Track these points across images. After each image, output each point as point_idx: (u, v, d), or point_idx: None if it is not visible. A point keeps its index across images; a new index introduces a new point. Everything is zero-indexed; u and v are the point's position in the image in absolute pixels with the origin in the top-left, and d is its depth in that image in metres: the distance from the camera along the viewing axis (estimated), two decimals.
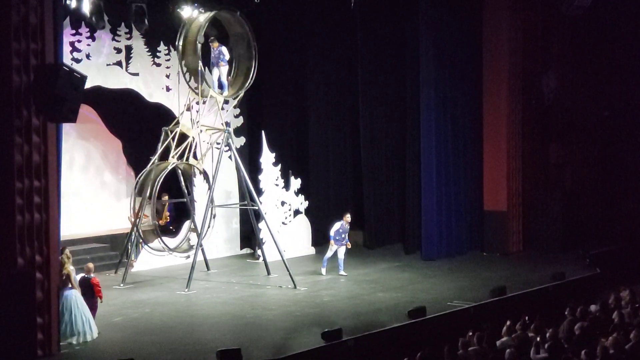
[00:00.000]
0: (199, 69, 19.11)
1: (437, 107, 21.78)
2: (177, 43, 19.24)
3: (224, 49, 19.64)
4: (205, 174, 20.65)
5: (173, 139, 19.35)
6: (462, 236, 22.62)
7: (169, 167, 19.00)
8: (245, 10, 19.91)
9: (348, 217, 20.08)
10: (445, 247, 22.07)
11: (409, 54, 22.73)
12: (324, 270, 19.81)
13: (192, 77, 19.50)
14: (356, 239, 24.05)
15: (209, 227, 19.53)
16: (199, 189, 21.39)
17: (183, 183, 20.25)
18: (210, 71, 19.87)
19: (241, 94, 20.11)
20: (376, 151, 23.80)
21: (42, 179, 13.46)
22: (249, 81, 19.91)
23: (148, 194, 18.88)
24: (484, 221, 22.93)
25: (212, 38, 19.53)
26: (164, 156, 19.54)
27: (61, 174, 14.23)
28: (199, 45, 19.01)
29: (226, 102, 21.58)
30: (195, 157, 19.67)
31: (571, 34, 24.62)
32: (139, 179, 19.19)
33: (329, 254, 19.87)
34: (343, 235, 19.77)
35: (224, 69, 19.72)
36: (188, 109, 19.80)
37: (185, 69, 19.49)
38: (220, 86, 19.74)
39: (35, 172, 13.37)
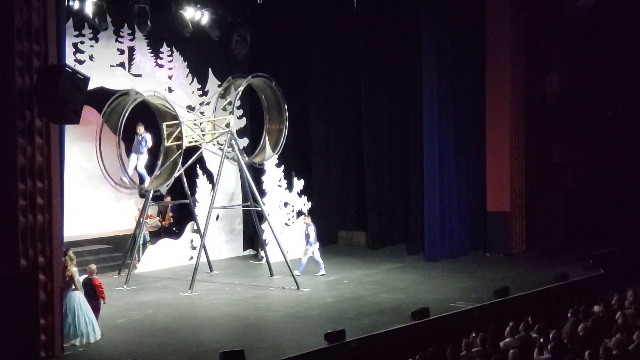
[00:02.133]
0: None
1: (439, 107, 21.76)
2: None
3: (149, 137, 19.47)
4: (207, 175, 20.68)
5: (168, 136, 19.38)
6: (465, 237, 22.59)
7: (138, 99, 18.54)
8: (248, 11, 19.96)
9: (306, 219, 20.15)
10: (448, 247, 22.05)
11: (411, 53, 22.71)
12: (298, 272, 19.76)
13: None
14: (359, 239, 24.11)
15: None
16: (202, 190, 21.43)
17: (186, 185, 20.25)
18: (128, 156, 19.59)
19: (275, 156, 20.85)
20: (378, 152, 23.79)
21: (45, 180, 13.47)
22: (279, 147, 20.45)
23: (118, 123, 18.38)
24: (486, 222, 22.90)
25: (139, 123, 19.36)
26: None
27: (64, 175, 14.24)
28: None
29: (229, 103, 21.66)
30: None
31: (574, 34, 24.60)
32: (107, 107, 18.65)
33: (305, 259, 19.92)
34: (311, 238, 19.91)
35: (143, 157, 19.54)
36: (190, 110, 19.88)
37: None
38: (141, 178, 19.54)
39: (38, 173, 13.38)
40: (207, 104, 21.13)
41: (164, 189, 19.50)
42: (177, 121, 19.07)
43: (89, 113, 21.21)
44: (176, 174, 19.23)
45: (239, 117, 22.21)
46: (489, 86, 22.77)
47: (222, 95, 20.42)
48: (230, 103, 20.24)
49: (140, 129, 19.33)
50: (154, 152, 19.74)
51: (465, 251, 22.43)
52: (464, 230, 22.50)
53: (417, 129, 22.42)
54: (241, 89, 19.80)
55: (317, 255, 19.87)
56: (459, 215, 22.37)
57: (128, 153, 19.64)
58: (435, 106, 21.68)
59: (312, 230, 19.92)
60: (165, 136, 19.26)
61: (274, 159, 21.57)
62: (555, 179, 24.17)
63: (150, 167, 19.69)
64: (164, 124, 19.26)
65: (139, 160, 19.50)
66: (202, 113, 20.59)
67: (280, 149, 20.53)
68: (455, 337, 13.04)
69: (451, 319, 15.83)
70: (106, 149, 18.95)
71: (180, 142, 18.97)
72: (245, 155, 20.23)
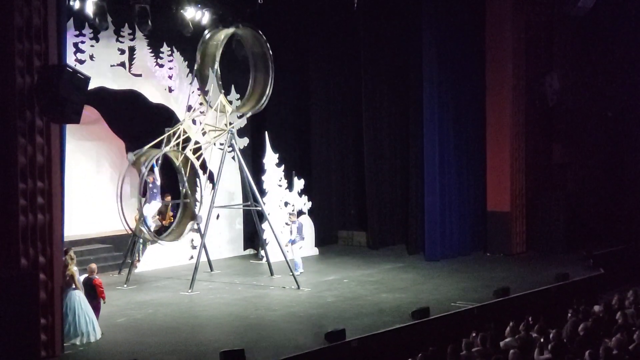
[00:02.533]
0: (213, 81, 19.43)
1: (439, 107, 21.77)
2: (197, 55, 19.46)
3: (157, 180, 19.41)
4: (208, 174, 20.67)
5: (175, 135, 19.38)
6: (465, 237, 22.60)
7: (158, 155, 18.66)
8: (248, 11, 19.95)
9: (292, 217, 20.18)
10: (448, 247, 22.07)
11: (411, 54, 22.72)
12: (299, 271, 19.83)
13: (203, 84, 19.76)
14: (359, 239, 24.11)
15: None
16: (202, 189, 21.40)
17: (187, 184, 20.25)
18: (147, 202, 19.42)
19: (249, 113, 20.44)
20: (379, 151, 23.81)
21: (45, 180, 13.47)
22: (264, 99, 20.15)
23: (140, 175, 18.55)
24: (487, 222, 22.91)
25: (151, 172, 19.12)
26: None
27: (65, 175, 14.24)
28: (217, 65, 19.33)
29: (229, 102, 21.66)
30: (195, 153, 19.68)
31: (574, 35, 24.61)
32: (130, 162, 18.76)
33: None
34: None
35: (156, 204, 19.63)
36: (189, 109, 19.86)
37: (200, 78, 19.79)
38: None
39: (38, 173, 13.38)
40: (207, 102, 21.10)
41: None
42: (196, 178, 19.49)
43: (89, 112, 21.25)
44: (265, 100, 19.66)
45: (240, 117, 22.16)
46: (489, 86, 22.77)
47: (201, 68, 19.83)
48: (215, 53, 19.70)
49: (150, 178, 19.21)
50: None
51: (466, 251, 22.45)
52: (464, 230, 22.52)
53: (418, 128, 22.44)
54: (226, 35, 19.42)
55: (297, 254, 19.88)
56: (459, 215, 22.38)
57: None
58: (435, 106, 21.70)
59: (296, 227, 19.83)
60: (182, 194, 19.49)
61: (275, 158, 21.61)
62: (556, 179, 24.19)
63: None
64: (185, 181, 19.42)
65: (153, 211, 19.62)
66: (202, 112, 20.57)
67: (266, 100, 20.18)
68: (455, 337, 13.06)
69: (451, 319, 15.84)
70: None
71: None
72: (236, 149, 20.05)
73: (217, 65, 19.31)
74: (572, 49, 24.66)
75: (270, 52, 20.08)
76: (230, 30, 19.45)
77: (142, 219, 18.59)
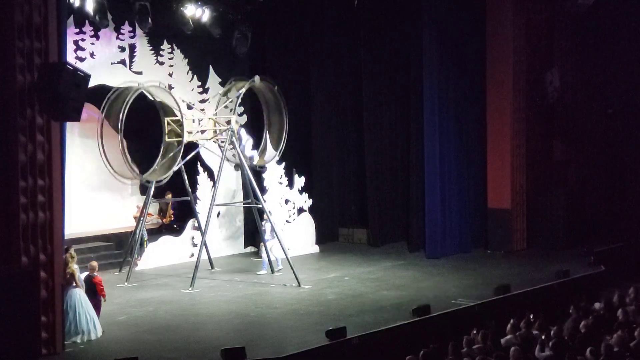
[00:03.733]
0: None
1: (440, 105, 21.73)
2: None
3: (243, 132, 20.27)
4: (207, 171, 20.73)
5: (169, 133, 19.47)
6: (466, 234, 22.56)
7: (135, 91, 18.79)
8: (249, 9, 19.95)
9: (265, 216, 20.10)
10: (449, 245, 22.04)
11: (412, 52, 22.68)
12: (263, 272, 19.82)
13: None
14: (360, 237, 24.09)
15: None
16: (203, 187, 21.43)
17: (187, 182, 20.27)
18: (129, 152, 19.75)
19: (277, 157, 20.93)
20: (379, 149, 23.79)
21: (46, 177, 13.47)
22: (281, 144, 20.78)
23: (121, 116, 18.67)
24: (487, 219, 22.88)
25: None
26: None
27: (65, 173, 14.24)
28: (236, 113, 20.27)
29: (230, 100, 21.71)
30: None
31: (575, 32, 24.57)
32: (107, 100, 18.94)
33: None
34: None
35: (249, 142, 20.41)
36: (189, 107, 19.86)
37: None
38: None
39: (39, 170, 13.39)
40: (207, 100, 21.12)
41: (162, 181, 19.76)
42: (177, 118, 19.22)
43: (90, 110, 21.25)
44: (175, 168, 19.38)
45: (240, 114, 22.19)
46: (490, 84, 22.75)
47: (224, 94, 20.48)
48: (231, 101, 20.30)
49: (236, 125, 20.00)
50: (155, 145, 19.86)
51: (466, 248, 22.42)
52: (465, 228, 22.49)
53: (418, 126, 22.40)
54: (243, 91, 19.88)
55: (267, 253, 19.83)
56: (460, 213, 22.35)
57: (129, 150, 19.60)
58: (436, 104, 21.66)
59: (269, 227, 19.83)
60: (166, 132, 19.35)
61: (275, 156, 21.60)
62: (556, 176, 24.16)
63: (149, 160, 19.72)
64: (166, 119, 19.35)
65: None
66: (202, 110, 20.57)
67: (281, 151, 20.62)
68: (456, 334, 13.05)
69: (452, 316, 15.82)
70: (108, 146, 19.06)
71: (180, 139, 19.10)
72: (247, 158, 20.21)
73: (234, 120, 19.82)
74: (573, 46, 24.62)
75: (284, 102, 20.68)
76: (246, 83, 20.04)
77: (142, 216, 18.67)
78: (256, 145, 21.29)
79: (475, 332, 12.83)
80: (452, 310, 16.07)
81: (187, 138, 19.26)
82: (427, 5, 21.53)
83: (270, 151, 20.82)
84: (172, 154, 19.49)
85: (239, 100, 20.22)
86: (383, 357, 14.27)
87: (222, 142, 20.19)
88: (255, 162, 20.37)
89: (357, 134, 24.47)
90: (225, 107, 20.55)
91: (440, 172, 21.77)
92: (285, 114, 20.56)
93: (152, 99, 19.49)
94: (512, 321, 13.31)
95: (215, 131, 19.89)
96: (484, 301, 16.73)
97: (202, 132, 19.88)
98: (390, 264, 21.12)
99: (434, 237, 21.81)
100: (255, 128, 22.34)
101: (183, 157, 19.53)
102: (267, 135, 20.81)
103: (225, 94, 20.40)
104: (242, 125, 21.64)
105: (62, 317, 13.78)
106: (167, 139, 19.37)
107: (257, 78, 20.04)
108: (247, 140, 20.15)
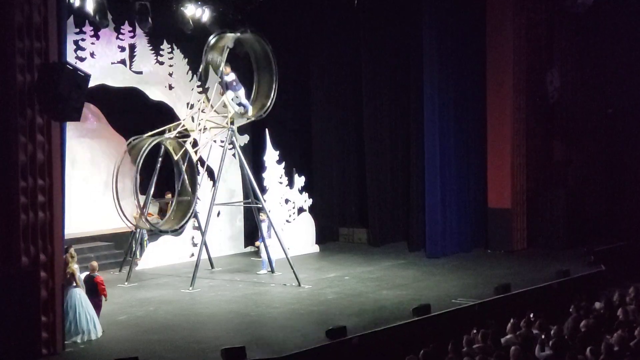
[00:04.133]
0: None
1: (440, 105, 21.73)
2: (202, 58, 19.44)
3: (233, 75, 19.80)
4: (208, 171, 20.68)
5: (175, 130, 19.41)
6: (467, 234, 22.58)
7: (155, 141, 18.69)
8: (248, 9, 19.93)
9: (262, 216, 19.98)
10: (449, 244, 22.05)
11: (412, 51, 22.68)
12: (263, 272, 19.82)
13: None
14: (360, 236, 24.10)
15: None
16: (203, 187, 21.40)
17: (187, 182, 20.25)
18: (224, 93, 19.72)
19: (263, 114, 20.34)
20: (380, 148, 23.78)
21: (46, 177, 13.48)
22: (269, 102, 20.15)
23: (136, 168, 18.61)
24: (488, 219, 22.89)
25: (226, 64, 19.51)
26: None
27: (65, 173, 14.24)
28: (222, 66, 19.37)
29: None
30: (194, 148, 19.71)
31: (575, 31, 24.57)
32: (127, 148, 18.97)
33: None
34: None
35: (242, 91, 19.85)
36: (190, 107, 19.86)
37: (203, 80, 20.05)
38: (245, 108, 19.92)
39: (39, 170, 13.39)
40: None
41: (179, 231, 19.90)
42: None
43: (90, 110, 21.30)
44: (190, 214, 19.44)
45: (239, 104, 22.11)
46: (490, 84, 22.74)
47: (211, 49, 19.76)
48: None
49: (227, 69, 19.54)
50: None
51: (467, 248, 22.43)
52: (465, 227, 22.50)
53: (418, 126, 22.40)
54: (231, 44, 19.42)
55: (267, 252, 19.83)
56: (460, 212, 22.36)
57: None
58: (436, 104, 21.66)
59: (266, 226, 19.80)
60: (172, 151, 19.35)
61: (275, 155, 21.62)
62: (557, 176, 24.16)
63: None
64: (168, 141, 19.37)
65: (239, 95, 19.77)
66: (202, 110, 20.52)
67: (271, 103, 20.18)
68: (456, 334, 13.04)
69: (452, 316, 15.83)
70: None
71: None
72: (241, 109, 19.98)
73: (221, 69, 19.34)
74: (573, 46, 24.61)
75: (273, 53, 20.09)
76: (235, 35, 19.45)
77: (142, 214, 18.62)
78: (253, 142, 21.27)
79: (475, 331, 12.81)
80: (452, 310, 16.09)
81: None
82: (427, 5, 21.53)
83: (258, 105, 20.43)
84: (186, 200, 19.58)
85: (227, 51, 19.50)
86: (383, 357, 14.29)
87: (222, 141, 20.20)
88: (250, 114, 20.02)
89: (357, 133, 24.47)
90: (212, 60, 19.82)
91: (441, 172, 21.78)
92: (275, 64, 20.10)
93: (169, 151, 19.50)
94: (512, 320, 13.29)
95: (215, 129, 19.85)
96: (484, 300, 16.75)
97: (203, 130, 19.81)
98: (391, 263, 21.13)
99: (434, 236, 21.81)
100: (255, 126, 22.35)
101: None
102: (256, 87, 20.39)
103: (212, 49, 19.66)
104: (242, 126, 21.63)
105: (62, 317, 13.79)
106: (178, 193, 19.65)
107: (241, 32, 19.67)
108: (241, 90, 19.85)
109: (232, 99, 19.68)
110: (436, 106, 21.67)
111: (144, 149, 18.25)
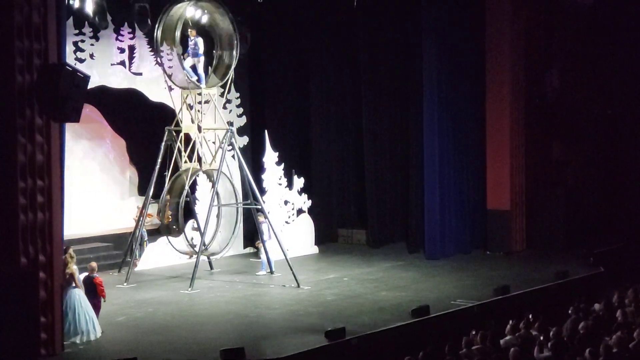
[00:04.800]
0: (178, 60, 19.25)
1: (439, 106, 21.72)
2: (155, 30, 19.02)
3: (200, 41, 19.47)
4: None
5: (179, 141, 19.41)
6: (466, 235, 22.58)
7: (197, 174, 19.49)
8: (247, 10, 19.92)
9: (260, 217, 19.92)
10: (448, 246, 22.05)
11: (411, 52, 22.69)
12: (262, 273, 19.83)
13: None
14: (359, 237, 24.09)
15: (216, 228, 19.96)
16: (201, 188, 21.42)
17: (186, 182, 20.24)
18: (184, 59, 19.51)
19: (222, 82, 19.97)
20: (379, 150, 23.77)
21: (45, 178, 13.46)
22: (230, 71, 19.85)
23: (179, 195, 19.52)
24: (487, 220, 22.88)
25: (191, 26, 19.30)
26: (169, 156, 19.57)
27: (64, 173, 14.24)
28: (178, 35, 19.19)
29: (229, 101, 21.67)
30: (199, 158, 19.72)
31: (574, 31, 24.58)
32: (170, 182, 19.54)
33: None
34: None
35: (201, 60, 19.53)
36: (189, 108, 19.84)
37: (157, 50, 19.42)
38: (198, 78, 19.53)
39: (38, 171, 13.37)
40: (207, 102, 21.07)
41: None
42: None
43: (89, 111, 21.27)
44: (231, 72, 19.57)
45: (239, 116, 22.18)
46: (489, 84, 22.75)
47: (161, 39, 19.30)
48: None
49: (192, 32, 19.26)
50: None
51: (466, 249, 22.44)
52: (464, 229, 22.50)
53: (417, 127, 22.41)
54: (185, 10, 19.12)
55: (266, 254, 19.81)
56: (459, 214, 22.37)
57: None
58: (435, 105, 21.66)
59: (267, 227, 19.80)
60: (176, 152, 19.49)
61: (275, 157, 21.63)
62: (556, 177, 24.16)
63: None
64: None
65: (196, 63, 19.49)
66: (200, 112, 20.50)
67: (227, 82, 20.16)
68: (455, 335, 13.05)
69: (451, 317, 15.84)
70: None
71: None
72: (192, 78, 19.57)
73: (177, 42, 19.28)
74: (572, 46, 24.63)
75: (234, 22, 19.55)
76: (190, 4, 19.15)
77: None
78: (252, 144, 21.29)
79: (474, 333, 12.80)
80: (452, 311, 16.10)
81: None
82: (426, 7, 21.52)
83: (213, 80, 20.14)
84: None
85: (181, 23, 19.29)
86: (382, 358, 14.28)
87: (221, 142, 20.17)
88: (203, 84, 19.57)
89: (357, 135, 24.46)
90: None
91: (440, 173, 21.78)
92: (237, 48, 19.59)
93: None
94: (511, 322, 13.30)
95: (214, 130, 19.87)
96: (483, 302, 16.76)
97: (200, 130, 19.78)
98: (390, 264, 21.13)
99: (433, 238, 21.81)
100: (255, 129, 22.36)
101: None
102: (214, 67, 20.10)
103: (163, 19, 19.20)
104: (241, 127, 21.62)
105: (61, 318, 13.77)
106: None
107: None
108: (201, 58, 19.47)
109: (190, 67, 19.42)
110: (435, 107, 21.67)
111: (187, 183, 19.17)
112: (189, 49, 19.50)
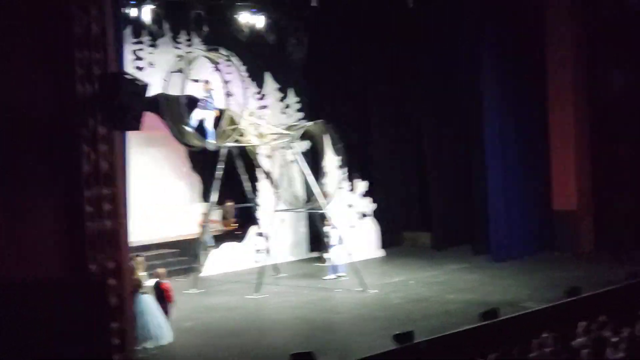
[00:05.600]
0: None
1: (501, 106, 21.53)
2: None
3: (214, 93, 19.21)
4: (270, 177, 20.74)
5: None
6: (532, 236, 22.21)
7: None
8: (305, 15, 19.91)
9: (327, 222, 19.82)
10: (515, 247, 21.71)
11: (472, 53, 22.40)
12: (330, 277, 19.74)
13: None
14: (424, 240, 23.89)
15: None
16: (264, 193, 21.44)
17: (249, 189, 20.28)
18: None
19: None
20: (441, 152, 23.57)
21: (110, 186, 13.54)
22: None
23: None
24: (553, 221, 22.52)
25: (206, 80, 19.09)
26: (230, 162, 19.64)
27: (129, 181, 14.34)
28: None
29: (288, 106, 21.72)
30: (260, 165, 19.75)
31: (638, 28, 24.02)
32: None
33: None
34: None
35: (211, 114, 19.04)
36: (229, 95, 19.64)
37: None
38: (203, 132, 19.01)
39: (103, 179, 13.45)
40: (266, 107, 21.13)
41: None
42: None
43: (151, 119, 21.39)
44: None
45: (299, 120, 22.13)
46: (551, 84, 22.42)
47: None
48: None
49: (207, 86, 19.01)
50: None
51: (533, 251, 22.03)
52: (530, 230, 22.14)
53: (480, 128, 22.10)
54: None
55: (337, 258, 19.71)
56: (525, 215, 22.03)
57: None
58: (497, 105, 21.46)
59: (335, 232, 19.74)
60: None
61: (337, 161, 21.53)
62: (623, 177, 23.62)
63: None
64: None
65: (205, 117, 19.04)
66: (261, 117, 20.54)
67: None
68: (525, 338, 12.81)
69: (521, 320, 15.52)
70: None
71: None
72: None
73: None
74: (636, 43, 24.06)
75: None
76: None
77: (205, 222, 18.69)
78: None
79: (545, 335, 12.57)
80: (521, 314, 15.78)
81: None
82: (486, 12, 21.22)
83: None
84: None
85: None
86: None
87: (282, 147, 20.18)
88: (210, 145, 19.07)
89: (418, 136, 24.25)
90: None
91: (504, 175, 21.50)
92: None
93: None
94: (583, 324, 13.02)
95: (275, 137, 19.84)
96: (554, 304, 16.38)
97: (261, 137, 19.80)
98: (455, 267, 20.90)
99: (499, 239, 21.51)
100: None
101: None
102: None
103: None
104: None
105: (132, 324, 13.85)
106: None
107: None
108: (211, 112, 18.98)
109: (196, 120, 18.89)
110: (497, 108, 21.47)
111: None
112: (200, 101, 19.04)
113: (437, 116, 23.47)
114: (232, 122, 19.46)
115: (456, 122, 23.59)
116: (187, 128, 18.63)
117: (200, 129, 18.90)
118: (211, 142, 18.82)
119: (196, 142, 18.76)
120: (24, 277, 12.34)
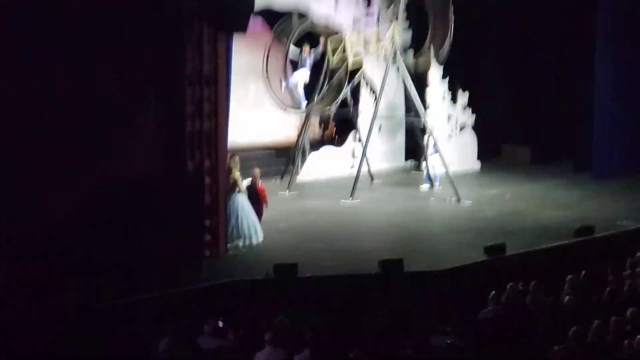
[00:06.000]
0: None
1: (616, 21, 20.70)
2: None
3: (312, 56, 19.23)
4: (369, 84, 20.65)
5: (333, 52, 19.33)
6: (637, 152, 21.53)
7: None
8: None
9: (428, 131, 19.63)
10: (618, 164, 21.09)
11: None
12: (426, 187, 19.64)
13: None
14: (523, 153, 23.48)
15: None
16: (365, 100, 21.37)
17: (349, 95, 20.21)
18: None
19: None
20: (546, 62, 22.90)
21: (212, 87, 13.73)
22: (443, 55, 20.31)
23: None
24: None
25: (305, 44, 19.13)
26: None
27: (230, 84, 14.48)
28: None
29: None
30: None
31: None
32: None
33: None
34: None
35: (306, 76, 19.19)
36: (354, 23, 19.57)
37: None
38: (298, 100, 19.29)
39: (205, 80, 13.64)
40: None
41: (333, 108, 19.67)
42: (339, 36, 19.23)
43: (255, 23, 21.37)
44: (343, 94, 19.31)
45: (406, 29, 21.79)
46: None
47: (387, 5, 20.04)
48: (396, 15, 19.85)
49: (306, 49, 19.14)
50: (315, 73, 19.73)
51: (637, 168, 21.38)
52: (636, 146, 21.43)
53: (588, 41, 21.36)
54: None
55: (433, 168, 19.63)
56: (632, 130, 21.31)
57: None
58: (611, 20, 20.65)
59: (432, 141, 19.60)
60: (330, 52, 19.23)
61: (438, 70, 21.21)
62: None
63: (311, 88, 19.70)
64: (328, 38, 19.25)
65: (298, 84, 19.32)
66: (367, 27, 20.27)
67: (444, 57, 20.03)
68: (620, 257, 12.65)
69: (616, 238, 15.31)
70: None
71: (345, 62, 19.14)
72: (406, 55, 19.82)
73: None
74: None
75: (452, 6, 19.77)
76: None
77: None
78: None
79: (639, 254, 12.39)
80: (617, 232, 15.55)
81: (351, 57, 19.21)
82: None
83: (430, 56, 20.35)
84: (337, 76, 19.44)
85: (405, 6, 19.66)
86: (542, 277, 14.01)
87: (386, 54, 19.97)
88: (303, 109, 19.56)
89: (524, 47, 23.62)
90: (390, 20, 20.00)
91: (612, 84, 20.79)
92: (451, 18, 19.78)
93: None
94: None
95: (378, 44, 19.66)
96: None
97: (365, 45, 19.65)
98: (554, 182, 20.57)
99: (602, 155, 20.98)
100: (420, 42, 21.96)
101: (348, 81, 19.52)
102: (429, 39, 20.25)
103: (389, 5, 19.88)
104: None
105: (225, 222, 14.18)
106: (332, 60, 19.41)
107: None
108: (306, 74, 19.25)
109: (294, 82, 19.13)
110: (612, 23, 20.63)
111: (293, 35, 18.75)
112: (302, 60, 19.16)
113: (545, 27, 22.74)
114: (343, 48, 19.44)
115: (566, 30, 22.74)
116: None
117: None
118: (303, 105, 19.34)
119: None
120: (127, 174, 12.72)
